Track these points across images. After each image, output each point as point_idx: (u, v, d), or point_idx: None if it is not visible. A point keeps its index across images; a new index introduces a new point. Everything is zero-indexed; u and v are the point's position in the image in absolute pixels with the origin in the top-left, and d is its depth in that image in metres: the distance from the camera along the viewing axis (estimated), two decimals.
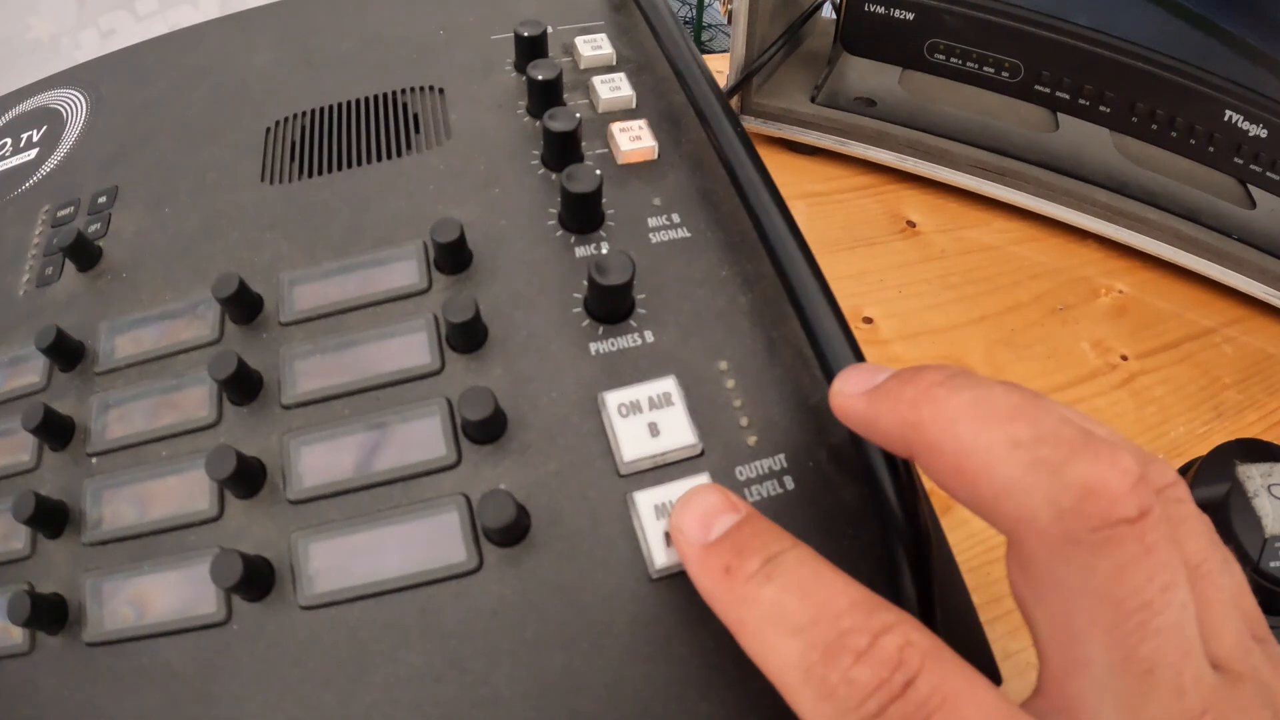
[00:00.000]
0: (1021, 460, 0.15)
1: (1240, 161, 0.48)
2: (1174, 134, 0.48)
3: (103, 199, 0.33)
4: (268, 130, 0.32)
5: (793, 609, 0.16)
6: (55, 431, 0.26)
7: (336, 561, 0.22)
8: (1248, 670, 0.16)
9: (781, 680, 0.16)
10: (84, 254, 0.30)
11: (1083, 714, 0.15)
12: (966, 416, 0.16)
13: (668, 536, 0.21)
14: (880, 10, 0.46)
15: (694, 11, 2.05)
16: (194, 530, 0.24)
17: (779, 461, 0.24)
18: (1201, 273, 0.47)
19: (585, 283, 0.25)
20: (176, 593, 0.24)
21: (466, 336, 0.24)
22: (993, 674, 0.23)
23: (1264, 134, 0.46)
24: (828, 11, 0.59)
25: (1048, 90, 0.47)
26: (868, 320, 0.42)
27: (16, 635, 0.24)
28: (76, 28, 0.83)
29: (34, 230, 0.34)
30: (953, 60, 0.47)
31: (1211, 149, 0.48)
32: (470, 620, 0.21)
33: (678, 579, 0.21)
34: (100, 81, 0.39)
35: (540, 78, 0.29)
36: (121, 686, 0.23)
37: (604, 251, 0.26)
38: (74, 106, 0.39)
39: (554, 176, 0.28)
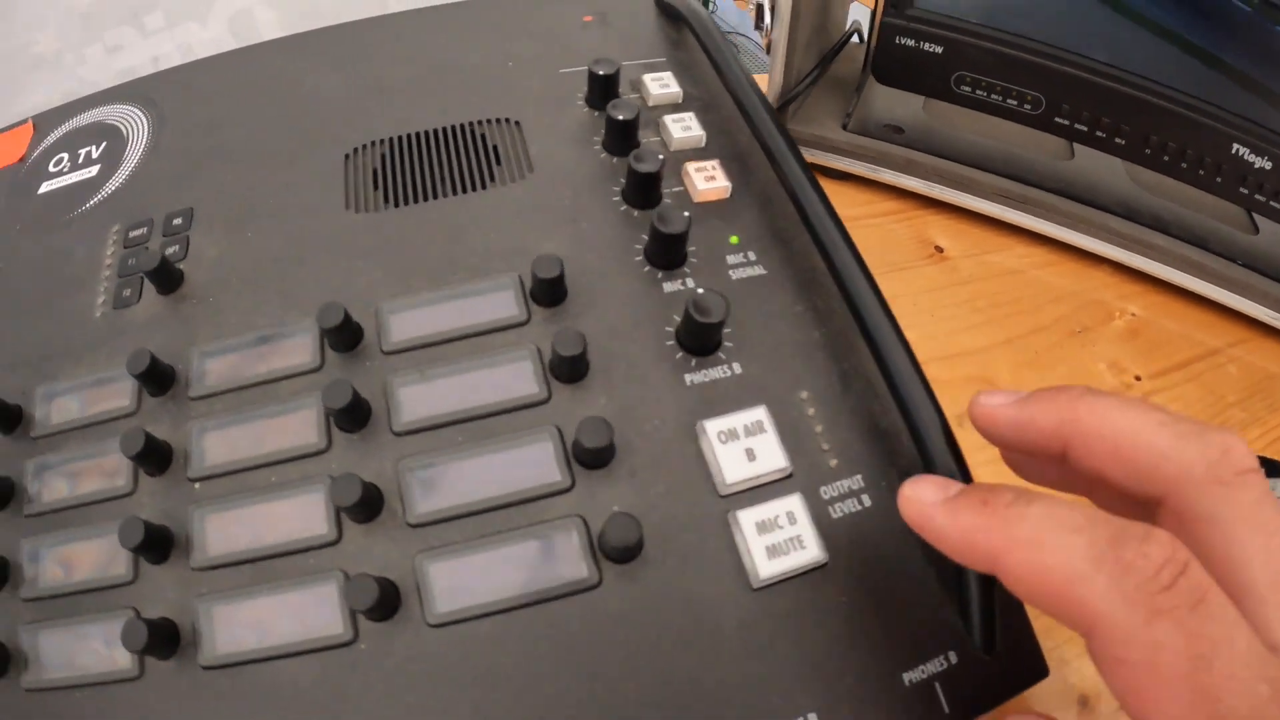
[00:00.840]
0: (1171, 433, 0.20)
1: (1245, 191, 0.52)
2: (1184, 165, 0.51)
3: (178, 220, 0.35)
4: (346, 157, 0.35)
5: (1067, 515, 0.19)
6: (154, 456, 0.28)
7: (461, 581, 0.25)
8: None
9: (1068, 574, 0.18)
10: (166, 277, 0.32)
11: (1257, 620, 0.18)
12: (1117, 408, 0.21)
13: (769, 552, 0.24)
14: (910, 44, 0.49)
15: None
16: (312, 554, 0.26)
17: (857, 481, 0.27)
18: (1208, 296, 0.51)
19: (678, 317, 0.28)
20: (298, 614, 0.25)
21: (573, 368, 0.27)
22: (1041, 671, 0.26)
23: (1269, 166, 0.50)
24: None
25: (1067, 122, 0.51)
26: None
27: (124, 661, 0.26)
28: (82, 43, 0.84)
29: (105, 250, 0.36)
30: (978, 92, 0.50)
31: (1219, 179, 0.52)
32: (594, 631, 0.24)
33: (776, 588, 0.24)
34: (159, 99, 0.41)
35: (621, 118, 0.31)
36: (244, 707, 0.25)
37: (691, 286, 0.29)
38: (134, 123, 0.41)
39: (636, 213, 0.31)
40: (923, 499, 0.21)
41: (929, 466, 0.25)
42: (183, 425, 0.29)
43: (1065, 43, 0.50)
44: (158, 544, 0.27)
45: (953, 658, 0.25)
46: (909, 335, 0.46)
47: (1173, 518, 0.20)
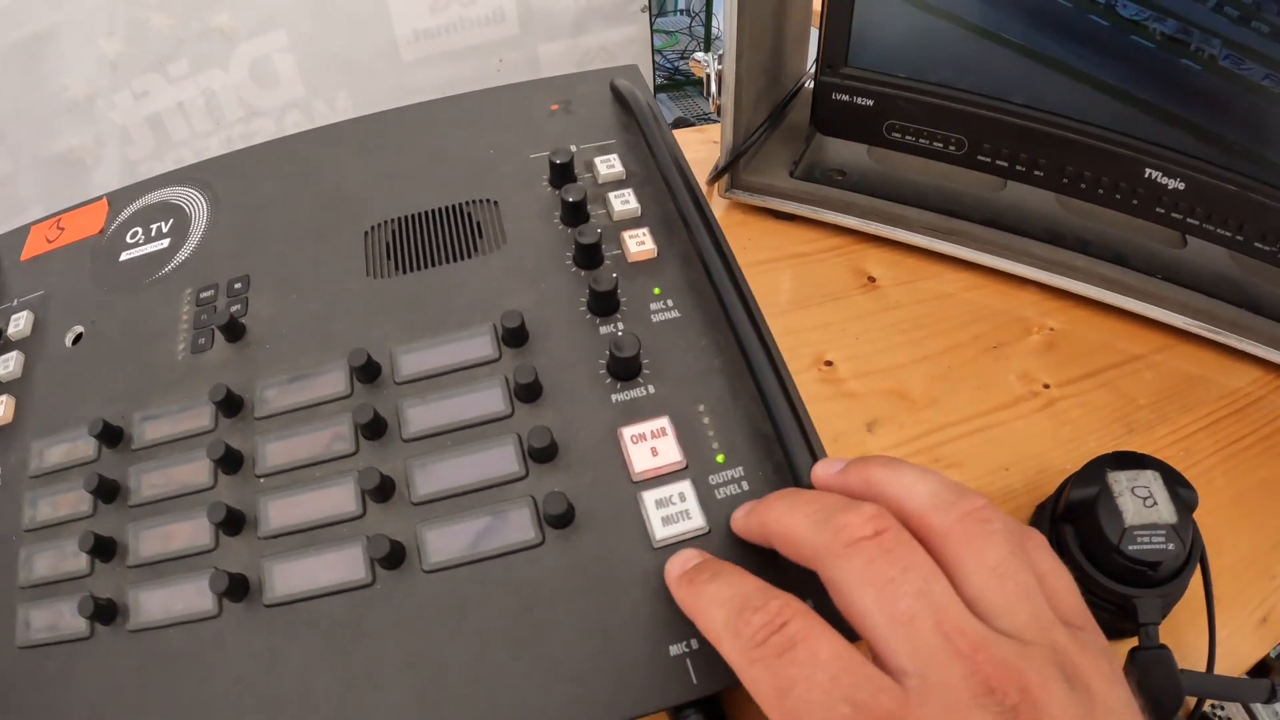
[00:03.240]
0: (811, 523, 0.31)
1: (1162, 211, 0.63)
2: (1100, 191, 0.63)
3: (238, 285, 0.50)
4: (365, 234, 0.50)
5: (722, 594, 0.31)
6: (230, 460, 0.43)
7: (447, 543, 0.39)
8: (1043, 640, 0.26)
9: (714, 634, 0.31)
10: (234, 330, 0.47)
11: (884, 657, 0.27)
12: (786, 511, 0.33)
13: (664, 521, 0.39)
14: (845, 99, 0.63)
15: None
16: (345, 525, 0.40)
17: (739, 472, 0.40)
18: (1126, 308, 0.63)
19: (608, 353, 0.42)
20: (334, 567, 0.39)
21: (529, 392, 0.41)
22: None
23: (1182, 186, 0.62)
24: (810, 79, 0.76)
25: (989, 159, 0.64)
26: (828, 363, 0.58)
27: (208, 604, 0.40)
28: (111, 89, 0.99)
29: (181, 308, 0.51)
30: (908, 138, 0.64)
31: (1135, 202, 0.63)
32: (538, 577, 0.37)
33: (670, 547, 0.38)
34: (213, 182, 0.57)
35: (571, 200, 0.46)
36: (294, 631, 0.39)
37: (619, 330, 0.44)
38: (195, 204, 0.56)
39: (583, 274, 0.45)
40: (669, 571, 0.36)
41: (790, 463, 0.39)
42: (250, 438, 0.44)
43: (983, 89, 0.62)
44: (234, 521, 0.41)
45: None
46: (833, 356, 0.60)
47: (827, 584, 0.29)
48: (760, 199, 0.66)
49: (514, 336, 0.43)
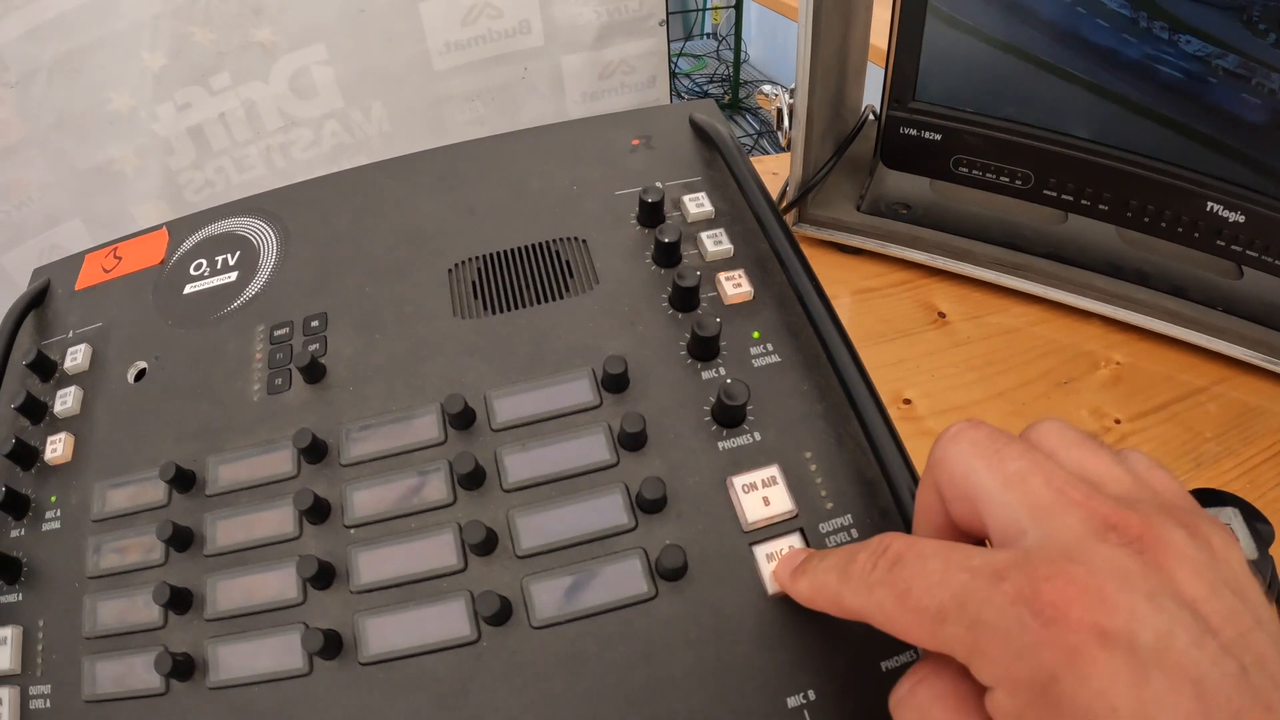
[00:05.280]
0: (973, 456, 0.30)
1: (1222, 243, 0.64)
2: (1163, 224, 0.64)
3: (315, 323, 0.49)
4: (449, 271, 0.49)
5: (829, 560, 0.32)
6: (317, 510, 0.42)
7: (555, 597, 0.38)
8: (1154, 500, 0.27)
9: (833, 594, 0.31)
10: (314, 371, 0.46)
11: (1001, 527, 0.27)
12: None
13: (773, 576, 0.38)
14: (913, 133, 0.63)
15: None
16: (445, 579, 0.40)
17: (847, 519, 0.39)
18: (1188, 340, 0.63)
19: (713, 399, 0.41)
20: (435, 623, 0.38)
21: (635, 440, 0.40)
22: None
23: (1242, 219, 0.62)
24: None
25: (1054, 193, 0.64)
26: (907, 401, 0.58)
27: (297, 662, 0.39)
28: (154, 101, 0.99)
29: (254, 345, 0.50)
30: (974, 172, 0.64)
31: (1196, 235, 0.64)
32: (651, 629, 0.37)
33: (785, 599, 0.38)
34: (282, 214, 0.55)
35: (667, 240, 0.45)
36: (394, 691, 0.37)
37: (722, 374, 0.43)
38: (263, 236, 0.55)
39: (680, 315, 0.45)
40: (780, 577, 0.36)
41: (899, 507, 0.38)
42: (337, 486, 0.43)
43: (1049, 123, 0.63)
44: (324, 574, 0.40)
45: (921, 651, 0.38)
46: (911, 394, 0.59)
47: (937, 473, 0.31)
48: (829, 233, 0.66)
49: (615, 382, 0.42)
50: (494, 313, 0.47)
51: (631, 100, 1.25)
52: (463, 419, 0.42)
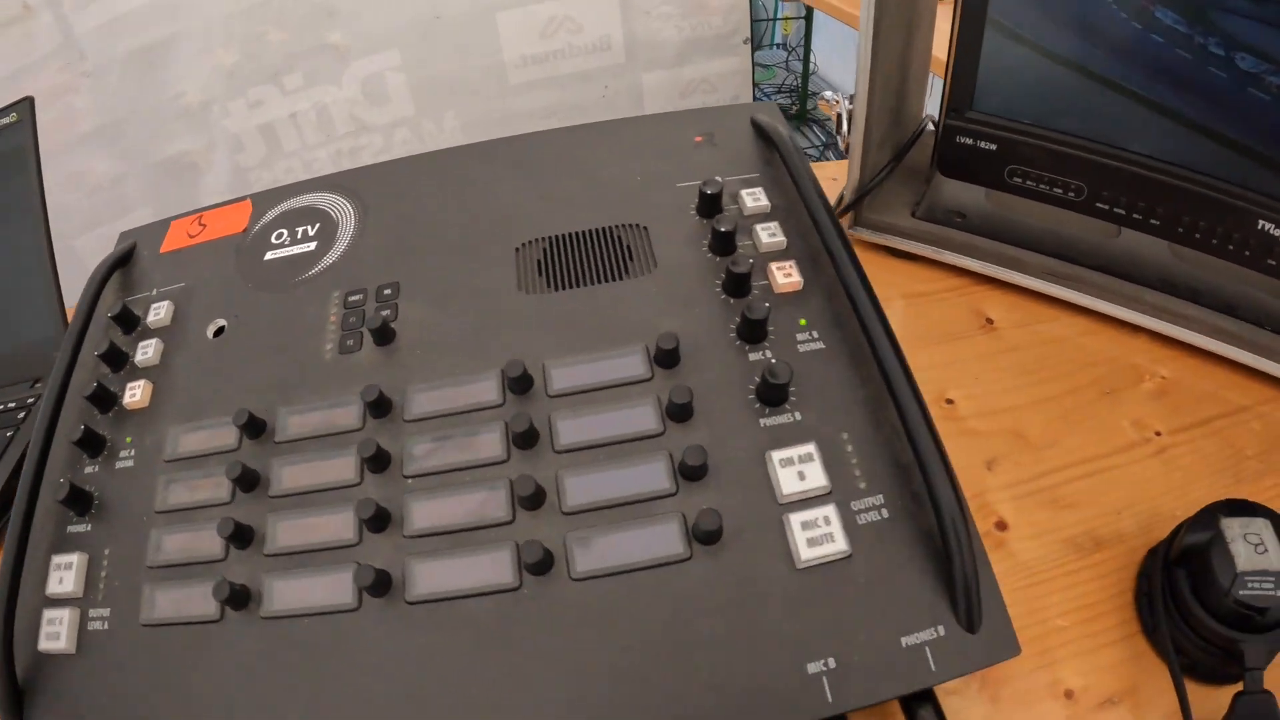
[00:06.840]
0: None
1: (1273, 263, 0.63)
2: (1214, 241, 0.64)
3: (387, 291, 0.53)
4: (517, 250, 0.52)
5: None
6: (379, 460, 0.45)
7: (595, 553, 0.41)
8: None
9: None
10: (384, 334, 0.49)
11: None
12: None
13: (809, 543, 0.40)
14: (969, 142, 0.64)
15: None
16: (493, 529, 0.42)
17: (879, 499, 0.41)
18: (1235, 359, 0.63)
19: (758, 379, 0.44)
20: (480, 569, 0.41)
21: (682, 412, 0.43)
22: (1013, 649, 0.40)
23: None
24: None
25: (1108, 207, 0.65)
26: (949, 401, 0.60)
27: (347, 597, 0.42)
28: (226, 97, 1.04)
29: (329, 309, 0.53)
30: (1029, 182, 0.65)
31: (1247, 253, 0.63)
32: (684, 589, 0.39)
33: (813, 569, 0.39)
34: (361, 191, 0.59)
35: (723, 229, 0.48)
36: (436, 629, 0.40)
37: (768, 357, 0.45)
38: (342, 210, 0.59)
39: (732, 300, 0.47)
40: None
41: (931, 491, 0.40)
42: (399, 439, 0.46)
43: (1105, 137, 0.64)
44: (380, 518, 0.43)
45: (941, 631, 0.39)
46: (954, 394, 0.61)
47: None
48: (884, 237, 0.68)
49: (667, 358, 0.45)
50: (556, 290, 0.50)
51: None
52: (521, 384, 0.45)
